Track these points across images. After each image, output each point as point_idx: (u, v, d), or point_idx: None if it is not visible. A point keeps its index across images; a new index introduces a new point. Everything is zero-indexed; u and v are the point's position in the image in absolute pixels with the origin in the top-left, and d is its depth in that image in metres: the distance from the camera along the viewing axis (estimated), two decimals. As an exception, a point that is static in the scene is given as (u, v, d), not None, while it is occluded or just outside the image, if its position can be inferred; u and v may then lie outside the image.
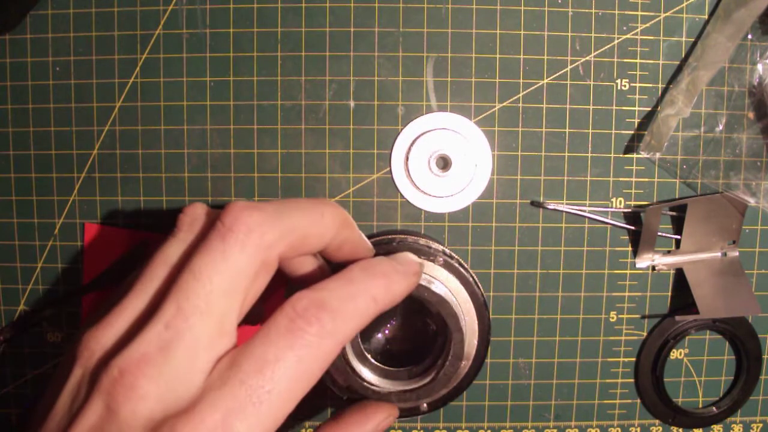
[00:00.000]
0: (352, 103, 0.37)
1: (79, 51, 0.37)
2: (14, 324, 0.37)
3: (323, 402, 0.38)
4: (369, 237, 0.34)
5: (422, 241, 0.32)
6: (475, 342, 0.30)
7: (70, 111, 0.37)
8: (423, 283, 0.28)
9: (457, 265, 0.30)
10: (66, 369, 0.22)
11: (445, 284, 0.29)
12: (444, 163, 0.37)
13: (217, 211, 0.24)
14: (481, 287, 0.31)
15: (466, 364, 0.30)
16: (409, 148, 0.37)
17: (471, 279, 0.30)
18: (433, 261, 0.30)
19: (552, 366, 0.38)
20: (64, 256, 0.38)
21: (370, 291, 0.23)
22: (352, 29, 0.37)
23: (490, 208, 0.37)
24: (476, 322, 0.30)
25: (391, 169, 0.37)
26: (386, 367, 0.30)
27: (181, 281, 0.21)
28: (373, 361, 0.30)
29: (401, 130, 0.37)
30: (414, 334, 0.32)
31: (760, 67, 0.36)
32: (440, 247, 0.32)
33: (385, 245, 0.30)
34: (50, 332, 0.38)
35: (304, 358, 0.21)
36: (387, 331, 0.32)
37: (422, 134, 0.37)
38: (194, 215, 0.24)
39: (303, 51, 0.37)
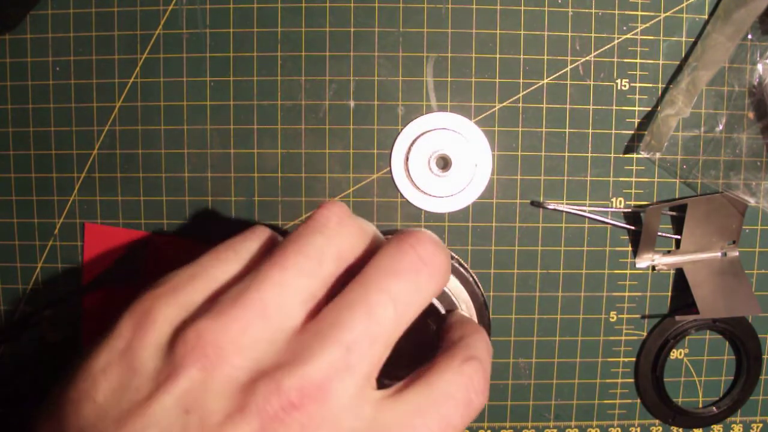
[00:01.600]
0: (352, 103, 0.37)
1: (79, 51, 0.37)
2: (14, 324, 0.37)
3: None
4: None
5: None
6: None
7: (70, 111, 0.37)
8: None
9: (457, 265, 0.30)
10: (167, 368, 0.17)
11: None
12: (444, 163, 0.37)
13: (360, 222, 0.22)
14: (481, 287, 0.31)
15: None
16: (409, 148, 0.37)
17: (471, 279, 0.30)
18: None
19: (552, 366, 0.38)
20: (64, 256, 0.38)
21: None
22: (352, 29, 0.37)
23: (490, 208, 0.37)
24: (476, 321, 0.30)
25: (391, 169, 0.37)
26: (386, 368, 0.30)
27: (376, 303, 0.19)
28: None
29: (401, 130, 0.37)
30: (414, 333, 0.32)
31: (760, 67, 0.36)
32: None
33: None
34: (50, 332, 0.38)
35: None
36: None
37: (422, 134, 0.37)
38: (341, 215, 0.22)
39: (303, 51, 0.37)
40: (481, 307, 0.30)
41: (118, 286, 0.37)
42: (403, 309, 0.20)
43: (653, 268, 0.38)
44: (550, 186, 0.37)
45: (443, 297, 0.29)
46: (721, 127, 0.37)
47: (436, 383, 0.21)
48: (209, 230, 0.37)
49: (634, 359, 0.38)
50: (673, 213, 0.38)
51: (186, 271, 0.21)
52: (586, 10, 0.36)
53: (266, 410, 0.16)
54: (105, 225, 0.37)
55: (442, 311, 0.29)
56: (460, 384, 0.21)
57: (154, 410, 0.17)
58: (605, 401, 0.39)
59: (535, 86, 0.37)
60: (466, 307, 0.30)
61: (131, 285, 0.37)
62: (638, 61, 0.37)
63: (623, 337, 0.38)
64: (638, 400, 0.39)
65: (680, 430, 0.39)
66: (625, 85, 0.37)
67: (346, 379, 0.18)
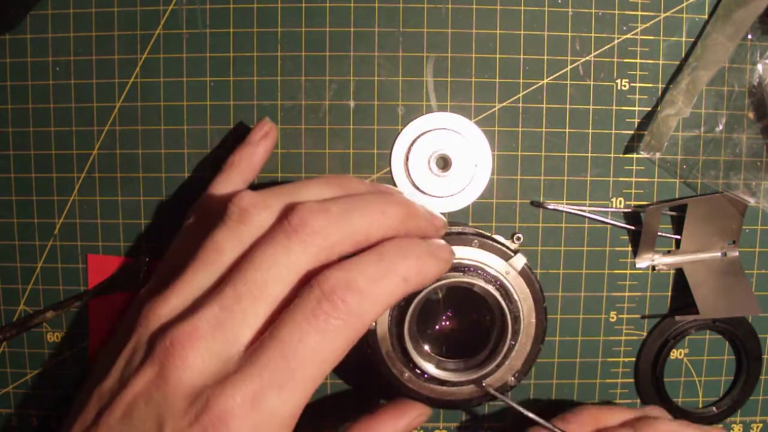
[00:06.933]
0: (352, 103, 0.37)
1: (79, 51, 0.37)
2: (14, 324, 0.37)
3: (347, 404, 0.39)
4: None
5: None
6: (533, 319, 0.31)
7: (70, 111, 0.37)
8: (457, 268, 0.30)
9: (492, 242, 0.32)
10: (124, 335, 0.24)
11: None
12: (444, 163, 0.37)
13: (269, 200, 0.25)
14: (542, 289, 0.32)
15: (526, 341, 0.31)
16: (409, 148, 0.37)
17: (535, 280, 0.32)
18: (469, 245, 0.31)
19: (552, 366, 0.38)
20: (64, 256, 0.38)
21: (401, 271, 0.24)
22: (352, 29, 0.37)
23: (490, 208, 0.37)
24: (530, 296, 0.31)
25: (391, 169, 0.37)
26: (443, 359, 0.31)
27: (243, 269, 0.23)
28: (430, 352, 0.31)
29: (401, 130, 0.37)
30: (469, 325, 0.33)
31: (760, 67, 0.36)
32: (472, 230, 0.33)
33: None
34: (50, 332, 0.38)
35: (327, 341, 0.22)
36: (444, 323, 0.33)
37: (422, 134, 0.37)
38: (242, 206, 0.24)
39: (303, 51, 0.37)
40: (530, 280, 0.32)
41: (121, 290, 0.37)
42: (266, 270, 0.23)
43: (653, 268, 0.38)
44: (550, 186, 0.37)
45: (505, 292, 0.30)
46: (721, 127, 0.37)
47: (288, 311, 0.23)
48: (209, 230, 0.37)
49: (634, 359, 0.38)
50: (673, 213, 0.38)
51: (175, 283, 0.24)
52: (586, 10, 0.36)
53: (155, 354, 0.22)
54: (107, 256, 0.38)
55: (504, 305, 0.30)
56: (306, 295, 0.23)
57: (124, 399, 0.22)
58: (605, 401, 0.39)
59: (535, 86, 0.37)
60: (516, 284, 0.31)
61: (133, 290, 0.37)
62: (638, 61, 0.37)
63: (623, 337, 0.38)
64: (638, 400, 0.39)
65: (680, 430, 0.39)
66: (625, 85, 0.37)
67: (218, 331, 0.22)
